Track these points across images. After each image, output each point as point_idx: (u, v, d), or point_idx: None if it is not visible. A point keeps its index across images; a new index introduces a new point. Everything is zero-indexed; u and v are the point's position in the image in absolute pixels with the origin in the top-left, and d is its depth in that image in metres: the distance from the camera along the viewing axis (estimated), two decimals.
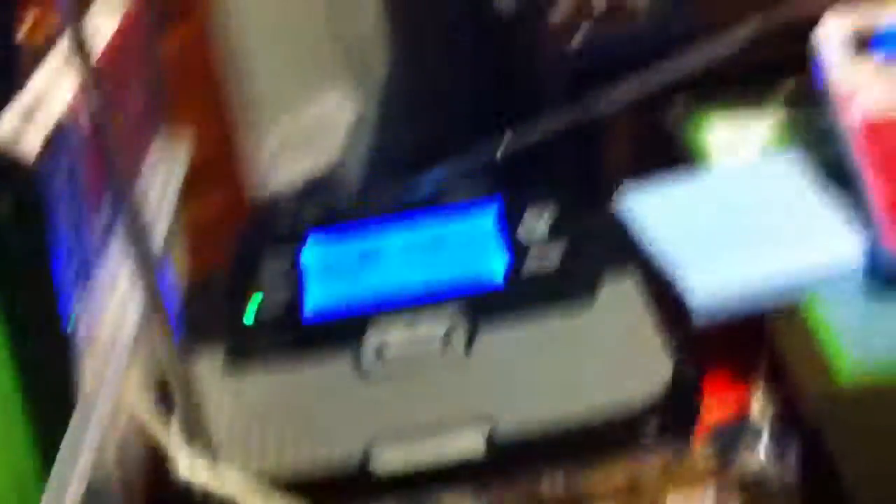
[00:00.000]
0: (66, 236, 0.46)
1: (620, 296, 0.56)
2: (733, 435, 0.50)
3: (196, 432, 0.47)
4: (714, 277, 0.57)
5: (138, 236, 0.44)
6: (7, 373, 0.46)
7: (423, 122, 0.83)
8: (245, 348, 0.56)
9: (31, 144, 0.44)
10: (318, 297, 0.59)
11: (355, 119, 0.84)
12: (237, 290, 0.59)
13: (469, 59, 0.82)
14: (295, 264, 0.61)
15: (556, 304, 0.56)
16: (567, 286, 0.57)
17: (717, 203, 0.63)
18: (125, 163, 0.45)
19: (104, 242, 0.50)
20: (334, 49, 0.83)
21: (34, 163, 0.44)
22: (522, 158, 0.69)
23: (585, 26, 0.71)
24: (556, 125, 0.69)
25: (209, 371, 0.54)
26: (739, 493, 0.42)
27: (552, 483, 0.44)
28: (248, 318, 0.58)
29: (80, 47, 0.42)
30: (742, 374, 0.55)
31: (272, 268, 0.61)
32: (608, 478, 0.43)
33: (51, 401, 0.44)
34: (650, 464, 0.45)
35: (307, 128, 0.83)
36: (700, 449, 0.48)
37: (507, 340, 0.55)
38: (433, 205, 0.64)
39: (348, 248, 0.62)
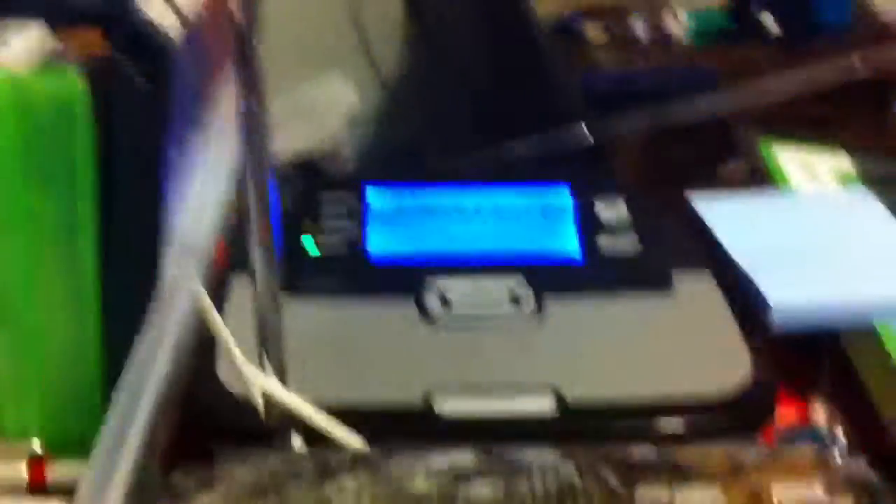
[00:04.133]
0: (182, 126, 0.43)
1: (697, 290, 0.54)
2: (817, 438, 0.47)
3: (260, 349, 0.44)
4: (792, 290, 0.55)
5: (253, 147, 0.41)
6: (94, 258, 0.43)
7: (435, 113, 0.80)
8: (309, 280, 0.52)
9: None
10: (382, 241, 0.56)
11: (361, 104, 0.81)
12: (299, 226, 0.56)
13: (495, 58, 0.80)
14: (360, 207, 0.58)
15: (632, 288, 0.53)
16: (643, 272, 0.55)
17: (794, 223, 0.61)
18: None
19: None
20: (345, 32, 0.81)
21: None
22: (594, 151, 0.67)
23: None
24: (632, 124, 0.67)
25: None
26: (849, 490, 0.39)
27: (643, 452, 0.41)
28: (313, 251, 0.54)
29: None
30: (801, 389, 0.53)
31: (336, 209, 0.58)
32: (707, 456, 0.40)
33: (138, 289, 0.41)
34: (753, 449, 0.42)
35: (304, 106, 0.80)
36: (801, 446, 0.45)
37: (577, 314, 0.52)
38: (505, 180, 0.61)
39: (415, 202, 0.59)
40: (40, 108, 0.42)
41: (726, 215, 0.61)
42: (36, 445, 0.44)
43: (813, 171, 0.67)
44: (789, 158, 0.68)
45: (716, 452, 0.41)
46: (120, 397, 0.36)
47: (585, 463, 0.40)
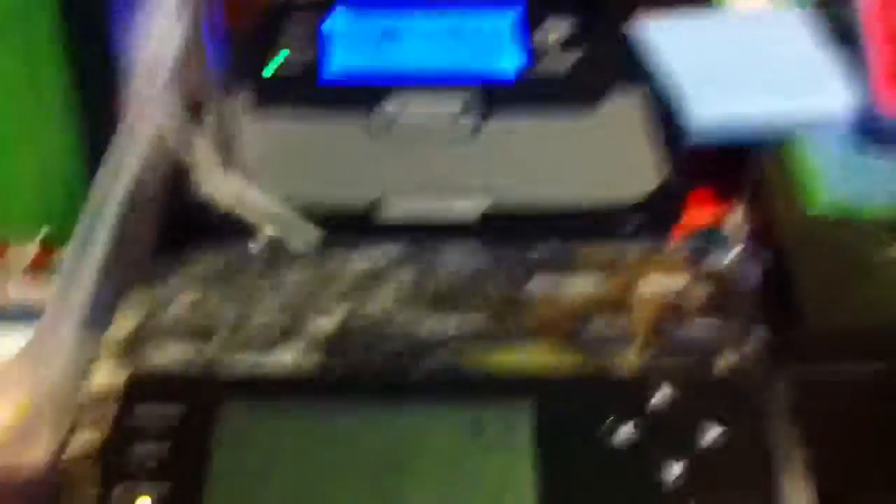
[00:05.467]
0: None
1: (624, 108, 0.60)
2: (707, 238, 0.55)
3: (225, 156, 0.51)
4: (712, 105, 0.61)
5: None
6: (62, 83, 0.50)
7: None
8: (267, 97, 0.59)
9: None
10: (337, 62, 0.62)
11: None
12: (263, 44, 0.63)
13: None
14: (318, 29, 0.64)
15: (563, 106, 0.60)
16: (575, 91, 0.61)
17: (726, 42, 0.66)
18: None
19: None
20: None
21: None
22: None
23: None
24: None
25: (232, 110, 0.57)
26: (706, 284, 0.46)
27: (543, 250, 0.48)
28: (268, 71, 0.61)
29: None
30: (723, 197, 0.60)
31: (296, 30, 0.64)
32: (594, 253, 0.48)
33: (99, 114, 0.48)
34: (631, 248, 0.49)
35: None
36: (676, 245, 0.52)
37: (512, 129, 0.59)
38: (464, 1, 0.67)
39: (371, 23, 0.65)
40: None
41: (665, 35, 0.67)
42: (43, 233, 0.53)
43: None
44: None
45: (604, 250, 0.48)
46: (93, 195, 0.44)
47: (495, 256, 0.48)
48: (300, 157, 0.57)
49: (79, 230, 0.43)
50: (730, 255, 0.53)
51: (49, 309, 0.40)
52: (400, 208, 0.54)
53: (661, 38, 0.66)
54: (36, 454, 0.38)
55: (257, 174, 0.52)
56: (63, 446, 0.38)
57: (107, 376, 0.40)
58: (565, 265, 0.47)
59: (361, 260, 0.47)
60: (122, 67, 0.49)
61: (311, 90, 0.61)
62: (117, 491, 0.38)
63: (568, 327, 0.43)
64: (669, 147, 0.59)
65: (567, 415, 0.40)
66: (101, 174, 0.45)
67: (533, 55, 0.63)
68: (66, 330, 0.39)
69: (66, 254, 0.43)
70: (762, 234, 0.56)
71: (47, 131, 0.52)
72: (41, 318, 0.40)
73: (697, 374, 0.42)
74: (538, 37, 0.64)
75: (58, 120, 0.52)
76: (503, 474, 0.39)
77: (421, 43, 0.64)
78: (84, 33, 0.50)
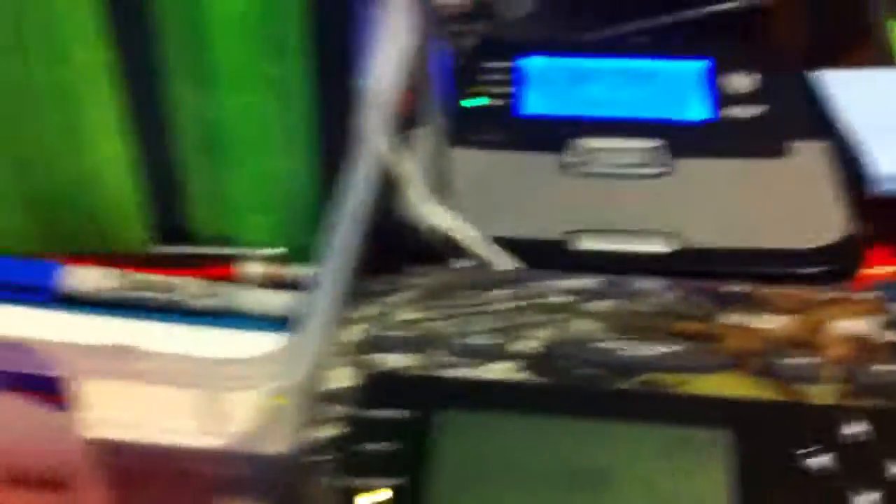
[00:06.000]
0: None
1: (808, 157, 0.63)
2: (892, 287, 0.56)
3: (434, 181, 0.55)
4: (894, 155, 0.63)
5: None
6: (304, 112, 0.56)
7: None
8: (471, 134, 0.63)
9: None
10: (533, 101, 0.67)
11: None
12: (464, 88, 0.67)
13: None
14: (514, 70, 0.68)
15: (749, 153, 0.63)
16: (760, 139, 0.64)
17: None
18: None
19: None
20: None
21: None
22: (731, 23, 0.75)
23: None
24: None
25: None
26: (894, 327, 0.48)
27: (733, 287, 0.51)
28: (467, 104, 0.65)
29: None
30: None
31: (494, 72, 0.68)
32: (783, 294, 0.50)
33: (335, 140, 0.54)
34: (819, 292, 0.51)
35: None
36: (862, 291, 0.54)
37: (701, 171, 0.62)
38: (647, 51, 0.70)
39: (565, 65, 0.69)
40: None
41: (848, 88, 0.69)
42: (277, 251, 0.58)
43: None
44: None
45: (793, 292, 0.50)
46: (334, 224, 0.49)
47: (686, 291, 0.50)
48: (496, 190, 0.60)
49: (323, 247, 0.47)
50: None
51: (302, 316, 0.44)
52: (591, 244, 0.57)
53: (843, 89, 0.69)
54: (278, 446, 0.42)
55: (457, 202, 0.56)
56: (303, 440, 0.43)
57: (343, 379, 0.44)
58: (755, 303, 0.49)
59: (560, 289, 0.50)
60: (359, 93, 0.53)
61: (507, 126, 0.65)
62: (353, 483, 0.42)
63: (761, 360, 0.46)
64: (853, 196, 0.61)
65: (763, 441, 0.43)
66: (341, 195, 0.50)
67: (720, 105, 0.66)
68: (313, 335, 0.43)
69: (316, 267, 0.47)
70: None
71: (288, 155, 0.57)
72: (292, 324, 0.45)
73: (890, 411, 0.44)
74: (725, 87, 0.67)
75: (297, 145, 0.57)
76: (698, 497, 0.42)
77: (612, 86, 0.68)
78: (330, 65, 0.55)
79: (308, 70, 0.55)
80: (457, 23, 0.79)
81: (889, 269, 0.60)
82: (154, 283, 0.56)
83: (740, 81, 0.68)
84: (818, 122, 0.66)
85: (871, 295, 0.52)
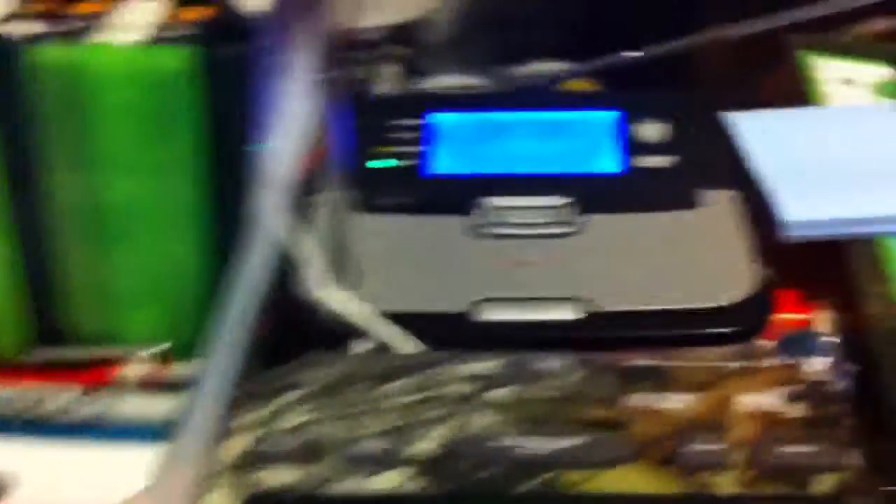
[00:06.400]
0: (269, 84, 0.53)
1: (719, 207, 0.62)
2: (798, 341, 0.56)
3: (333, 257, 0.54)
4: (806, 202, 0.62)
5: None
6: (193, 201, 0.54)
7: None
8: (373, 198, 0.62)
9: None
10: (439, 158, 0.65)
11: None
12: (367, 150, 0.65)
13: None
14: (421, 127, 0.67)
15: (662, 204, 0.62)
16: (671, 192, 0.63)
17: (823, 138, 0.68)
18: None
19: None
20: None
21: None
22: (642, 71, 0.74)
23: None
24: (679, 46, 0.74)
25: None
26: (800, 398, 0.47)
27: (638, 364, 0.50)
28: (371, 165, 0.64)
29: None
30: (814, 295, 0.60)
31: (401, 129, 0.67)
32: (688, 368, 0.49)
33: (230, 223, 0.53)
34: (726, 359, 0.50)
35: None
36: (769, 349, 0.54)
37: (611, 227, 0.60)
38: (557, 100, 0.69)
39: (472, 120, 0.68)
40: (154, 77, 0.52)
41: (760, 131, 0.68)
42: (161, 348, 0.56)
43: (852, 83, 0.73)
44: (829, 70, 0.74)
45: (699, 365, 0.49)
46: (221, 318, 0.47)
47: (591, 370, 0.49)
48: (401, 259, 0.59)
49: (209, 347, 0.46)
50: (822, 360, 0.54)
51: (177, 432, 0.42)
52: (496, 314, 0.56)
53: (754, 131, 0.68)
54: None
55: (360, 275, 0.55)
56: None
57: (220, 500, 0.43)
58: (662, 380, 0.49)
59: (459, 377, 0.49)
60: (254, 175, 0.52)
61: (414, 187, 0.63)
62: None
63: (667, 447, 0.45)
64: (763, 245, 0.60)
65: None
66: (231, 284, 0.48)
67: (630, 154, 0.65)
68: (189, 456, 0.42)
69: (196, 369, 0.46)
70: (853, 333, 0.57)
71: (175, 241, 0.55)
72: (168, 441, 0.43)
73: (796, 497, 0.43)
74: (636, 136, 0.66)
75: (185, 231, 0.55)
76: None
77: (522, 141, 0.66)
78: (221, 151, 0.53)
79: (198, 154, 0.53)
80: (375, 48, 0.78)
81: (798, 316, 0.59)
82: (24, 396, 0.54)
83: (652, 130, 0.67)
84: (730, 168, 0.65)
85: (777, 361, 0.51)
